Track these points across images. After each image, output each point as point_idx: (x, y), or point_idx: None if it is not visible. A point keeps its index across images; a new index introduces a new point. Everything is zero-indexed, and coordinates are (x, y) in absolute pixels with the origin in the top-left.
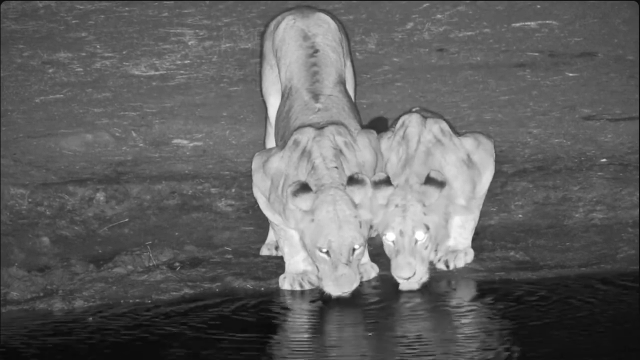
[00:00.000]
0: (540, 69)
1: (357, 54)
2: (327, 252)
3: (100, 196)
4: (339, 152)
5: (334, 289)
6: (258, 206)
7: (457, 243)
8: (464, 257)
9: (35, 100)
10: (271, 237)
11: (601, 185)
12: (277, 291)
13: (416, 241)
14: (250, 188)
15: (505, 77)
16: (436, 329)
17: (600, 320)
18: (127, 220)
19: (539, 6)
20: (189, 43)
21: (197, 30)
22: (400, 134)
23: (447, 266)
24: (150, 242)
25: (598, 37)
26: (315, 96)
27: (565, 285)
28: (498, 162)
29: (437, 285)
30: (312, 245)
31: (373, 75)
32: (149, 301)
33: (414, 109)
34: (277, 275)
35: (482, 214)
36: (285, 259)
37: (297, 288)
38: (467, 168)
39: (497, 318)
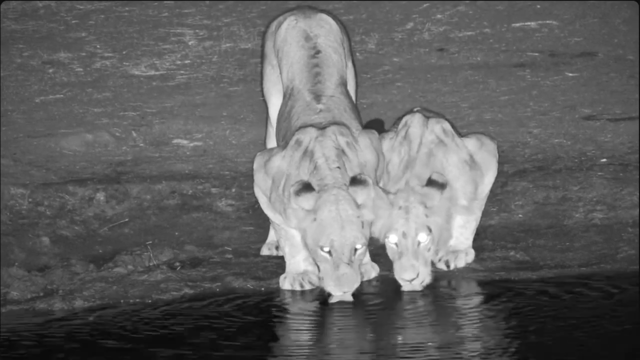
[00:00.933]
0: (540, 69)
1: (357, 54)
2: (329, 252)
3: (101, 196)
4: (341, 152)
5: (335, 288)
6: (258, 206)
7: (458, 243)
8: (465, 257)
9: (35, 100)
10: (272, 236)
11: (601, 185)
12: (278, 291)
13: (419, 243)
14: (251, 188)
15: (506, 77)
16: (437, 329)
17: (600, 320)
18: (127, 220)
19: (539, 6)
20: (189, 43)
21: (197, 30)
22: (402, 135)
23: (448, 266)
24: (150, 242)
25: (598, 37)
26: (317, 97)
27: (565, 285)
28: (498, 162)
29: (437, 285)
30: (314, 245)
31: (373, 75)
32: (149, 301)
33: (415, 109)
34: (278, 275)
35: (483, 214)
36: (286, 259)
37: (298, 288)
38: (469, 169)
39: (497, 318)
